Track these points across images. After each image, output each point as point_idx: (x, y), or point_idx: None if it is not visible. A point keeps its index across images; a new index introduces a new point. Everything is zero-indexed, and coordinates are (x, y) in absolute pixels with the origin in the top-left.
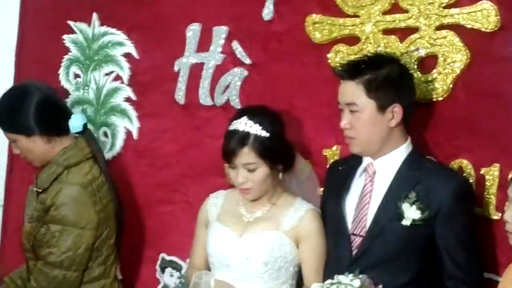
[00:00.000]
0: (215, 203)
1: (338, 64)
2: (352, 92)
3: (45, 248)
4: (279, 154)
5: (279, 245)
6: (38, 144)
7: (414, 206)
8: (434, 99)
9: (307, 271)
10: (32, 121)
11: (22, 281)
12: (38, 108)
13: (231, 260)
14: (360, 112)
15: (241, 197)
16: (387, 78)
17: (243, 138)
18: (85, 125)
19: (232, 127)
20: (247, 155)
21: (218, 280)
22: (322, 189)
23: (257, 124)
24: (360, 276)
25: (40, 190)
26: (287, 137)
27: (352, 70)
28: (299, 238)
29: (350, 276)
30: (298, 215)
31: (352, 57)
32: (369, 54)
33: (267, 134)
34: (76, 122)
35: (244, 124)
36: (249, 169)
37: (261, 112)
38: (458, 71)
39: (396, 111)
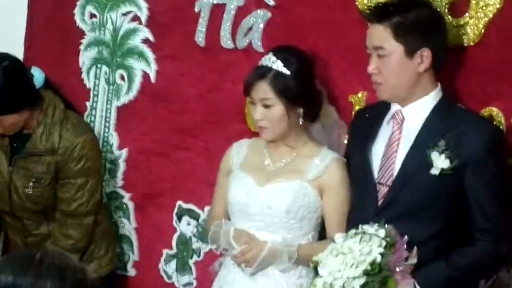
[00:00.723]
0: (238, 152)
1: (366, 7)
2: (380, 35)
3: (72, 202)
4: (298, 95)
5: (302, 195)
6: (23, 116)
7: (443, 155)
8: (465, 45)
9: (330, 222)
10: (22, 97)
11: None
12: (27, 82)
13: (252, 209)
14: (388, 57)
15: (265, 146)
16: (416, 21)
17: (264, 72)
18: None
19: (259, 63)
20: (264, 89)
21: (238, 229)
22: (347, 137)
23: (280, 61)
24: (386, 226)
25: (40, 153)
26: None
27: (380, 13)
28: (323, 188)
29: (375, 226)
30: (323, 165)
31: None
32: None
33: (288, 72)
34: (40, 77)
35: (268, 59)
36: (265, 105)
37: (289, 51)
38: (490, 15)
39: (425, 56)
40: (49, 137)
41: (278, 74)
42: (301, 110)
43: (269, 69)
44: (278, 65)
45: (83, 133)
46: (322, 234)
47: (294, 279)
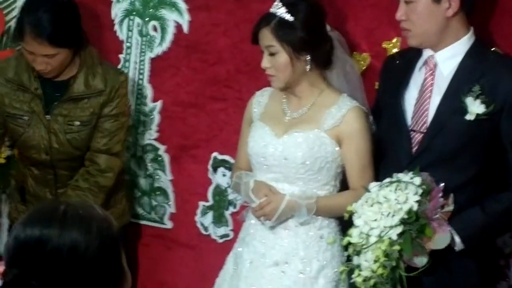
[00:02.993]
0: (259, 101)
1: None
2: None
3: (114, 143)
4: (302, 41)
5: (319, 145)
6: (70, 56)
7: (478, 100)
8: None
9: (351, 172)
10: (77, 32)
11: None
12: (79, 18)
13: (270, 161)
14: (415, 3)
15: (284, 96)
16: None
17: (268, 19)
18: None
19: None
20: (267, 36)
21: (257, 181)
22: (377, 83)
23: (284, 7)
24: (421, 173)
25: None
26: (341, 29)
27: None
28: (341, 137)
29: (410, 174)
30: (340, 114)
31: None
32: None
33: (291, 18)
34: None
35: (275, 6)
36: (271, 53)
37: None
38: None
39: (452, 0)
40: (94, 78)
41: (281, 20)
42: (307, 57)
43: (273, 15)
44: (282, 12)
45: (121, 72)
46: (344, 183)
47: (314, 230)
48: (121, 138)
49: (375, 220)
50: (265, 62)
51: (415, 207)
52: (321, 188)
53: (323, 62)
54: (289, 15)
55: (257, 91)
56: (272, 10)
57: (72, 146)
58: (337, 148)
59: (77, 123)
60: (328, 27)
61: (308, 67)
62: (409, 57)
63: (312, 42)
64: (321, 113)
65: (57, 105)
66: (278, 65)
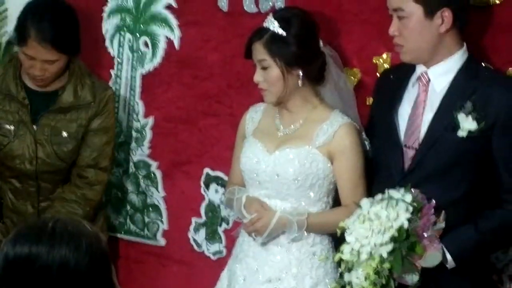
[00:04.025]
0: (253, 117)
1: None
2: None
3: (102, 158)
4: (294, 56)
5: (310, 161)
6: (65, 64)
7: (470, 117)
8: (491, 3)
9: (342, 188)
10: (77, 40)
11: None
12: (79, 25)
13: (262, 177)
14: (408, 18)
15: (277, 111)
16: None
17: (261, 33)
18: None
19: None
20: (259, 50)
21: (249, 197)
22: (371, 99)
23: (277, 21)
24: (412, 190)
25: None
26: (332, 44)
27: None
28: (332, 153)
29: (402, 190)
30: (332, 130)
31: None
32: None
33: (284, 33)
34: None
35: (268, 20)
36: (263, 67)
37: (288, 11)
38: None
39: (445, 16)
40: (83, 89)
41: (274, 35)
42: (300, 72)
43: (266, 30)
44: (275, 26)
45: (108, 87)
46: (337, 200)
47: (307, 247)
48: (109, 153)
49: (366, 237)
50: (258, 76)
51: (406, 224)
52: (313, 204)
53: (315, 77)
54: (281, 29)
55: (250, 107)
56: (265, 24)
57: (58, 157)
58: (329, 165)
59: (64, 134)
60: (321, 43)
61: (300, 82)
62: (403, 73)
63: (305, 57)
64: (313, 129)
65: (44, 116)
66: (270, 79)
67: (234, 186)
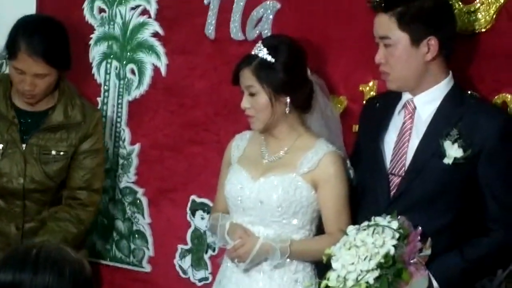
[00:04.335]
0: (238, 145)
1: None
2: (385, 25)
3: (95, 179)
4: (282, 83)
5: (294, 189)
6: (55, 80)
7: (456, 144)
8: (477, 31)
9: (326, 216)
10: (68, 55)
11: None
12: (69, 41)
13: (246, 204)
14: (394, 46)
15: (263, 139)
16: (421, 9)
17: (250, 59)
18: None
19: None
20: (248, 77)
21: (233, 223)
22: (357, 126)
23: (266, 48)
24: (398, 217)
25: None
26: (318, 72)
27: (386, 2)
28: (316, 181)
29: (388, 217)
30: (317, 158)
31: None
32: None
33: (272, 60)
34: None
35: (256, 47)
36: (250, 93)
37: (276, 39)
38: (502, 1)
39: (431, 44)
40: (73, 109)
41: (262, 61)
42: (287, 99)
43: (254, 56)
44: (264, 53)
45: (97, 109)
46: (320, 228)
47: (290, 274)
48: (100, 174)
49: (353, 263)
50: (245, 103)
51: (392, 251)
52: (297, 232)
53: (303, 105)
54: (270, 56)
55: (237, 134)
56: (254, 51)
57: (46, 175)
58: (313, 192)
59: (53, 152)
60: (308, 71)
61: (287, 109)
62: (389, 100)
63: (292, 84)
64: (298, 157)
65: (34, 135)
66: (257, 106)
67: (218, 212)
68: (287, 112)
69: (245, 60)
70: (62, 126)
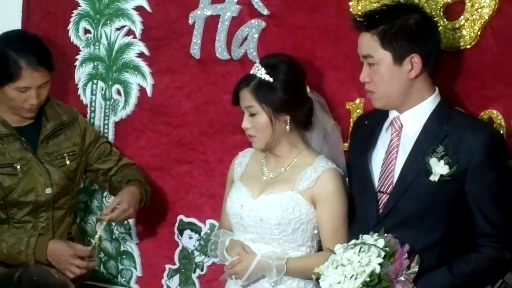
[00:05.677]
0: (241, 162)
1: (359, 14)
2: (368, 44)
3: (116, 152)
4: (281, 102)
5: (293, 206)
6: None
7: (442, 161)
8: (462, 47)
9: (324, 233)
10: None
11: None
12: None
13: (247, 221)
14: (377, 65)
15: (264, 156)
16: (402, 28)
17: (248, 79)
18: None
19: None
20: (247, 97)
21: (233, 240)
22: (346, 144)
23: (264, 68)
24: (385, 235)
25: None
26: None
27: (368, 21)
28: (315, 199)
29: (375, 235)
30: (316, 175)
31: (375, 6)
32: (388, 3)
33: (270, 79)
34: None
35: (255, 67)
36: (250, 113)
37: (275, 58)
38: (486, 17)
39: (415, 62)
40: (58, 111)
41: (261, 81)
42: (287, 118)
43: (253, 76)
44: (262, 73)
45: (72, 107)
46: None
47: None
48: (115, 149)
49: (339, 282)
50: (246, 123)
51: (378, 269)
52: (297, 249)
53: (303, 122)
54: (268, 76)
55: (240, 152)
56: (252, 71)
57: (68, 177)
58: (312, 209)
59: (65, 154)
60: (307, 88)
61: (288, 127)
62: (377, 118)
63: (292, 102)
64: (297, 174)
65: (40, 146)
66: (258, 126)
67: (223, 229)
68: (288, 130)
69: (244, 81)
70: (60, 128)
